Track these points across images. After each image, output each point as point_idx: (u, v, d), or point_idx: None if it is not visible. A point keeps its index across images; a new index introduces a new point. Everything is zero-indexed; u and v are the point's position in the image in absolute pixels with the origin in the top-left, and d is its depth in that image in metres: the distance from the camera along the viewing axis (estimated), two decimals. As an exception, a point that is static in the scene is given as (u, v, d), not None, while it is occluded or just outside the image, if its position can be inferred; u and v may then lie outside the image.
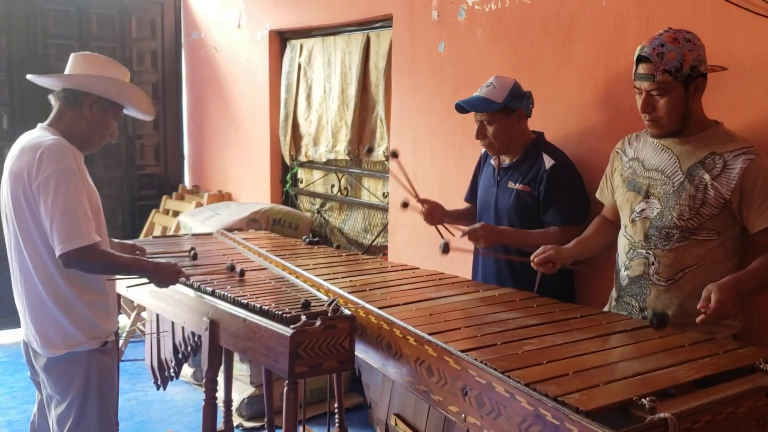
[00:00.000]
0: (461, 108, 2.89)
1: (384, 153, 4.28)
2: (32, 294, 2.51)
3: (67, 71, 2.61)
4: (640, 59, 2.22)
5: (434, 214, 3.01)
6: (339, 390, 3.53)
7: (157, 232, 5.59)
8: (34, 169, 2.39)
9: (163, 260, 2.75)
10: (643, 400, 1.57)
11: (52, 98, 2.59)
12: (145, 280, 2.60)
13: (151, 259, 2.74)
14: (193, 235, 3.92)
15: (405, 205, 3.01)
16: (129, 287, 2.79)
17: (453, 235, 3.00)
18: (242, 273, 2.83)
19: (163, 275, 2.58)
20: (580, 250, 2.59)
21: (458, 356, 1.92)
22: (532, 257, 2.54)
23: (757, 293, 2.28)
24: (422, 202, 3.00)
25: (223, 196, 5.64)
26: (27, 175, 2.40)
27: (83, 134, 2.57)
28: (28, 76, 2.65)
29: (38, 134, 2.52)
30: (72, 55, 2.63)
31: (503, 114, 2.83)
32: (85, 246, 2.36)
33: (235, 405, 3.99)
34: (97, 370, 2.56)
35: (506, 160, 2.97)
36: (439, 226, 3.02)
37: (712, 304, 2.03)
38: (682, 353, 1.91)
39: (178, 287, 2.77)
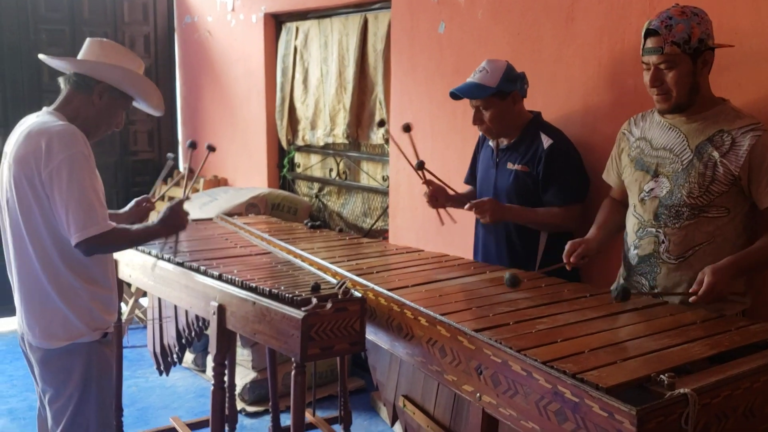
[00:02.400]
0: (455, 95, 2.88)
1: (383, 135, 4.27)
2: (33, 283, 2.45)
3: (81, 56, 2.55)
4: (648, 33, 2.22)
5: (438, 197, 2.99)
6: (343, 373, 3.53)
7: (153, 217, 5.55)
8: (43, 156, 2.32)
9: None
10: (661, 376, 1.57)
11: (61, 81, 2.53)
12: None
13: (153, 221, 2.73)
14: (193, 220, 3.89)
15: (407, 128, 2.97)
16: (163, 252, 2.91)
17: (454, 221, 3.01)
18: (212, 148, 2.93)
19: (172, 224, 2.65)
20: (604, 238, 2.55)
21: (472, 336, 1.92)
22: (565, 258, 2.46)
23: (758, 272, 2.31)
24: (427, 183, 2.99)
25: (219, 182, 5.62)
26: (35, 162, 2.33)
27: (90, 122, 2.51)
28: (41, 56, 2.59)
29: (45, 119, 2.44)
30: (88, 40, 2.58)
31: (498, 98, 2.83)
32: (102, 233, 2.33)
33: (237, 390, 4.00)
34: (97, 363, 2.52)
35: (504, 142, 2.97)
36: (441, 210, 3.01)
37: (703, 287, 2.08)
38: (695, 330, 1.92)
39: (184, 272, 2.76)
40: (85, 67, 2.49)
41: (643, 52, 2.25)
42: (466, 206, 2.83)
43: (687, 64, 2.20)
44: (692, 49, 2.18)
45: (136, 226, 2.59)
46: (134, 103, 2.63)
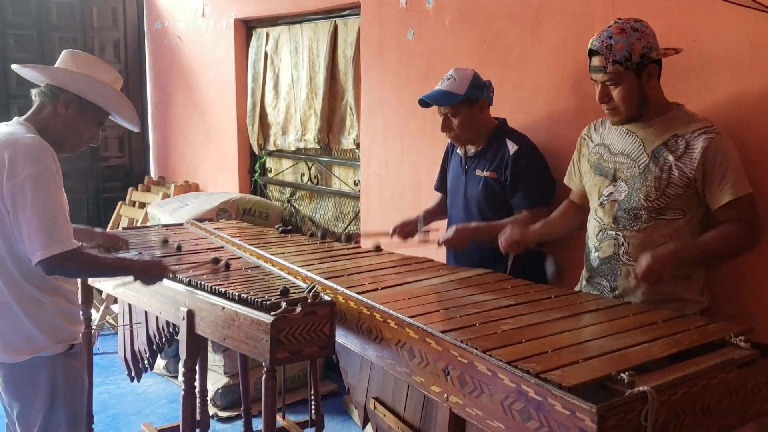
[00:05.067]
0: (424, 102, 2.94)
1: (354, 141, 4.29)
2: None
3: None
4: (592, 52, 2.30)
5: (409, 232, 3.12)
6: (314, 377, 3.55)
7: (124, 224, 5.54)
8: (7, 170, 2.24)
9: (147, 257, 2.67)
10: (622, 374, 1.62)
11: (33, 92, 2.45)
12: (131, 278, 2.54)
13: (134, 257, 2.65)
14: (164, 225, 3.89)
15: (378, 248, 3.07)
16: (117, 286, 2.73)
17: (437, 230, 3.13)
18: (228, 265, 2.79)
19: (150, 273, 2.52)
20: (546, 232, 2.67)
21: (439, 337, 1.95)
22: (499, 240, 2.59)
23: (703, 261, 2.36)
24: (393, 234, 3.11)
25: (190, 187, 5.61)
26: (1, 173, 2.25)
27: (57, 134, 2.41)
28: (13, 66, 2.51)
29: (14, 130, 2.35)
30: (64, 52, 2.49)
31: (466, 105, 2.89)
32: (66, 251, 2.24)
33: (209, 395, 3.99)
34: (63, 376, 2.43)
35: (472, 149, 3.03)
36: (422, 235, 3.14)
37: (640, 268, 2.19)
38: (656, 330, 1.97)
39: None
40: (51, 75, 2.42)
41: (590, 70, 2.32)
42: (438, 245, 2.94)
43: (632, 80, 2.26)
44: (634, 65, 2.24)
45: (111, 257, 2.49)
46: (111, 117, 2.54)
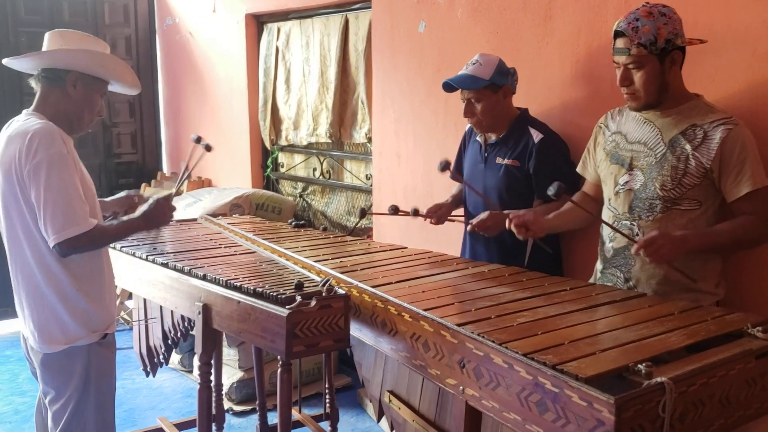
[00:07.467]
0: (448, 86, 2.90)
1: (366, 135, 4.29)
2: (31, 287, 2.44)
3: (43, 50, 2.50)
4: (617, 34, 2.28)
5: (442, 215, 3.11)
6: (329, 371, 3.55)
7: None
8: (23, 156, 2.32)
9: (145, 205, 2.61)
10: (639, 365, 1.61)
11: (33, 82, 2.49)
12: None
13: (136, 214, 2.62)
14: (177, 221, 3.90)
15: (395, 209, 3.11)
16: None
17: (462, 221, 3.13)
18: (209, 148, 2.89)
19: (155, 218, 2.57)
20: (557, 225, 2.64)
21: (455, 330, 1.95)
22: (509, 217, 2.54)
23: (711, 252, 2.32)
24: (427, 216, 3.09)
25: (202, 183, 5.63)
26: (18, 163, 2.33)
27: (71, 115, 2.48)
28: (4, 61, 2.54)
29: (24, 120, 2.43)
30: (48, 34, 2.52)
31: (490, 91, 2.86)
32: (80, 234, 2.31)
33: (224, 389, 4.01)
34: (96, 365, 2.50)
35: (492, 137, 3.00)
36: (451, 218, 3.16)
37: (643, 238, 2.19)
38: (673, 321, 1.96)
39: (169, 272, 2.77)
40: (52, 59, 2.44)
41: (613, 52, 2.31)
42: (468, 228, 2.88)
43: (654, 65, 2.25)
44: (659, 49, 2.22)
45: (115, 223, 2.53)
46: (110, 87, 2.58)
